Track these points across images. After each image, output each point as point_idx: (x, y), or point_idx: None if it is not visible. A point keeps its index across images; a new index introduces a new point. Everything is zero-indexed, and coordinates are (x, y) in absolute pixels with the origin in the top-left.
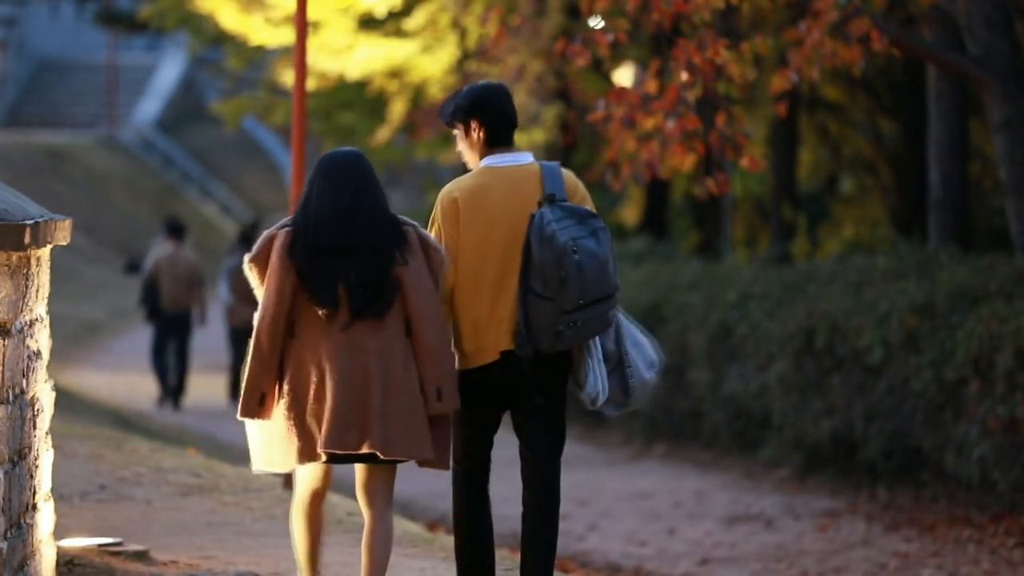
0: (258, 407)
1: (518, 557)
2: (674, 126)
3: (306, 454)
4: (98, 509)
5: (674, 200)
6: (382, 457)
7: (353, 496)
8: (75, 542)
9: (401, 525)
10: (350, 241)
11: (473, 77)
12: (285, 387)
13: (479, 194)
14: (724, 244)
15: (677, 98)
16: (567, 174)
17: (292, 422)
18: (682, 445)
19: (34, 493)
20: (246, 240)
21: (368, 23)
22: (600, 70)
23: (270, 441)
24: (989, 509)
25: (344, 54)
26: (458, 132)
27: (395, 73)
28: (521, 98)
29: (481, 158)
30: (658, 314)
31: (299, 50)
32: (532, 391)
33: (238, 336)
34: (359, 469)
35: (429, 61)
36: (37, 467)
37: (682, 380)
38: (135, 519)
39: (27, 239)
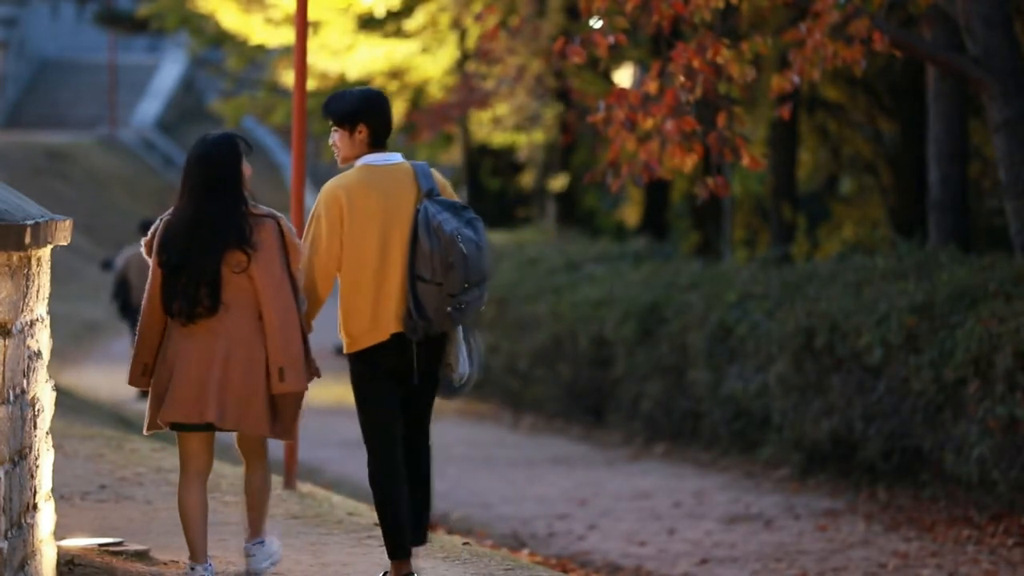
0: (142, 377)
1: (517, 556)
2: (673, 127)
3: (155, 421)
4: (99, 509)
5: (674, 201)
6: (219, 428)
7: (353, 495)
8: (76, 542)
9: None
10: (187, 253)
11: (473, 77)
12: (157, 360)
13: (361, 190)
14: (724, 244)
15: (675, 100)
16: (435, 172)
17: (154, 392)
18: (682, 445)
19: (35, 493)
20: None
21: (368, 23)
22: (600, 70)
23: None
24: (989, 509)
25: (344, 54)
26: (342, 132)
27: (395, 73)
28: (521, 98)
29: (359, 157)
30: (658, 314)
31: (299, 50)
32: (419, 370)
33: None
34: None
35: (429, 61)
36: (38, 467)
37: (682, 380)
38: (136, 519)
39: (27, 239)
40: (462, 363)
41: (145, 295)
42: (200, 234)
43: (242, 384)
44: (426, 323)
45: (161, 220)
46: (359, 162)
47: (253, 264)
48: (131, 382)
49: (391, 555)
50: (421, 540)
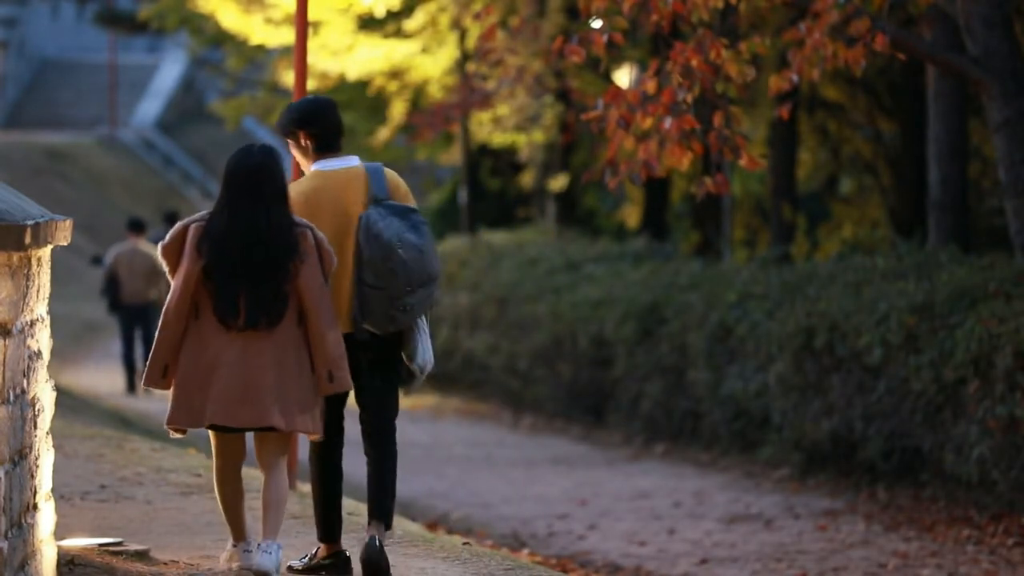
0: (161, 378)
1: (517, 556)
2: (671, 126)
3: (190, 422)
4: (99, 509)
5: (674, 201)
6: (284, 431)
7: (353, 495)
8: (76, 542)
9: (402, 525)
10: (247, 265)
11: (473, 77)
12: (182, 360)
13: (313, 195)
14: (724, 244)
15: (673, 99)
16: (390, 173)
17: (184, 393)
18: (682, 445)
19: (35, 493)
20: (171, 220)
21: (368, 23)
22: (599, 70)
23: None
24: (988, 509)
25: (344, 54)
26: (291, 142)
27: (395, 73)
28: (521, 98)
29: (313, 163)
30: (658, 314)
31: (299, 50)
32: (374, 368)
33: None
34: (255, 438)
35: (429, 61)
36: (38, 467)
37: (682, 380)
38: (136, 519)
39: (28, 239)
40: (421, 354)
41: (173, 297)
42: (264, 247)
43: (299, 387)
44: (371, 324)
45: (189, 225)
46: (312, 168)
47: (300, 275)
48: (148, 383)
49: (327, 537)
50: (387, 524)
